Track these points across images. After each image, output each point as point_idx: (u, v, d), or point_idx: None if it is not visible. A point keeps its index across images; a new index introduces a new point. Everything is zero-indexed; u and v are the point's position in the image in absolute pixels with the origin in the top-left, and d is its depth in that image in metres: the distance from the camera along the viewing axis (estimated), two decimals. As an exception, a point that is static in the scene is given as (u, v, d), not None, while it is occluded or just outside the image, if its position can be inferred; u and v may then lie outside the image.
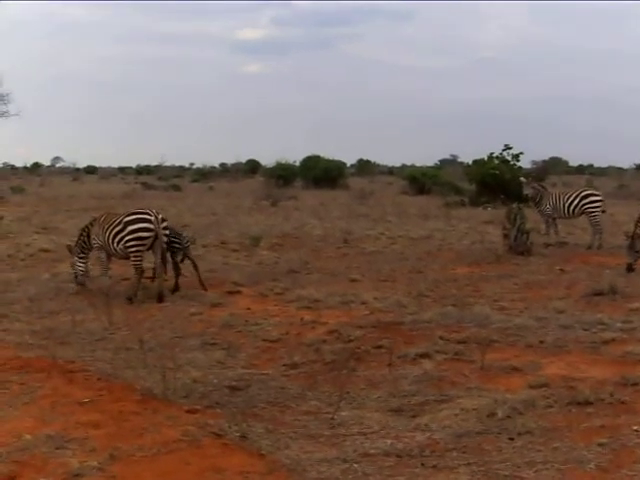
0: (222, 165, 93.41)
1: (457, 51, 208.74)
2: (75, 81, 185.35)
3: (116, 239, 14.10)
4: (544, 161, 79.98)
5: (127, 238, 13.93)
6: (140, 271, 14.05)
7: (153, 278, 14.43)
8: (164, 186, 54.06)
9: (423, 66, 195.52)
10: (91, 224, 14.90)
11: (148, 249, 14.20)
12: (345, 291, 13.81)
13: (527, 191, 21.99)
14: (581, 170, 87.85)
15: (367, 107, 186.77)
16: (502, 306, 12.43)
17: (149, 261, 14.42)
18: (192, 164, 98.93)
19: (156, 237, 13.95)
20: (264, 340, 10.72)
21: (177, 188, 52.90)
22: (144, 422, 7.27)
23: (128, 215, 14.21)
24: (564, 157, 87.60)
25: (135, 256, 13.95)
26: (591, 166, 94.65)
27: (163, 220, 14.25)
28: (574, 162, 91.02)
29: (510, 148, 37.58)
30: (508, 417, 7.37)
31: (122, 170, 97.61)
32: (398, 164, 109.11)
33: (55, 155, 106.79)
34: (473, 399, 7.90)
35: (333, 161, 57.48)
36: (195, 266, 14.67)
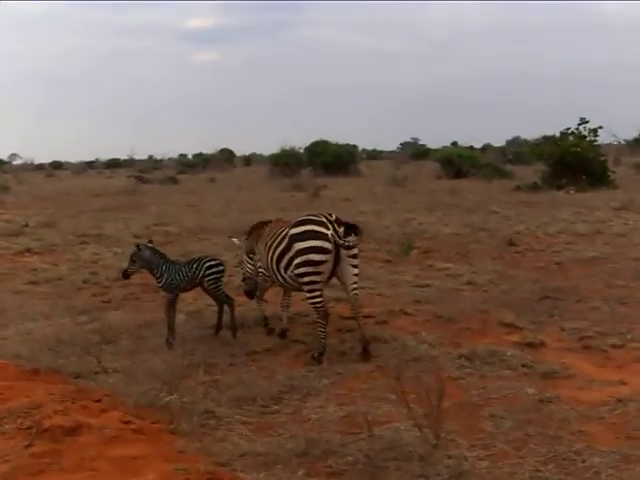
0: (197, 156, 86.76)
1: (408, 32, 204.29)
2: (23, 76, 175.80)
3: (282, 263, 8.87)
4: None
5: (296, 262, 8.61)
6: (323, 314, 8.71)
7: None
8: (160, 179, 47.53)
9: (375, 48, 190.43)
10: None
11: (329, 278, 8.80)
12: None
13: None
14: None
15: (321, 92, 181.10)
16: None
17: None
18: (150, 156, 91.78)
19: (337, 258, 8.57)
20: None
21: (175, 181, 46.84)
22: None
23: (294, 226, 8.80)
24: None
25: (309, 290, 8.71)
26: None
27: (347, 233, 8.82)
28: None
29: (587, 122, 32.59)
30: None
31: (90, 165, 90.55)
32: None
33: (11, 152, 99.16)
34: None
35: (344, 145, 51.62)
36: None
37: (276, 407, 7.18)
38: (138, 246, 9.52)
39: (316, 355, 8.49)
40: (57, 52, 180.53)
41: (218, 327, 9.67)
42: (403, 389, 6.35)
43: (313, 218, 8.75)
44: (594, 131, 32.66)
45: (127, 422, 6.52)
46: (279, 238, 8.94)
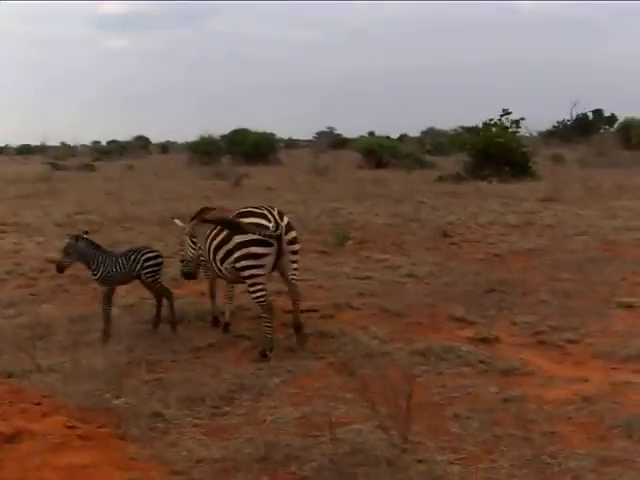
0: (111, 143, 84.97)
1: (321, 23, 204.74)
2: None
3: (219, 254, 8.51)
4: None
5: (236, 255, 8.20)
6: (267, 308, 8.27)
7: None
8: (76, 166, 46.28)
9: (289, 39, 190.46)
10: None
11: (272, 270, 8.50)
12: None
13: None
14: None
15: (238, 81, 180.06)
16: None
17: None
18: (63, 142, 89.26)
19: (280, 252, 8.25)
20: None
21: (91, 168, 45.67)
22: None
23: (236, 217, 8.51)
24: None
25: (252, 284, 8.31)
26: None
27: (289, 227, 8.55)
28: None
29: (509, 113, 32.96)
30: None
31: (0, 151, 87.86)
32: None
33: None
34: None
35: (264, 134, 51.12)
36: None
37: (227, 408, 6.78)
38: (76, 237, 8.99)
39: (265, 351, 8.10)
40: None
41: (156, 321, 9.21)
42: (364, 388, 6.02)
43: (255, 210, 8.45)
44: (516, 122, 32.89)
45: (72, 427, 6.06)
46: (218, 228, 8.55)
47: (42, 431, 5.90)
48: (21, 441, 5.74)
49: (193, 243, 9.30)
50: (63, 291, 11.48)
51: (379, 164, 42.27)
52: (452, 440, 5.99)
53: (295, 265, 8.60)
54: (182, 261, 9.65)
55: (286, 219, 8.49)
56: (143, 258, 9.05)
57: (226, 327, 9.13)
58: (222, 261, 8.49)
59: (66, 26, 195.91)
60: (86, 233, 9.19)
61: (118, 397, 6.70)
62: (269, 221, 8.25)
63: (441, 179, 31.15)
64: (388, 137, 62.46)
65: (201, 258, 9.20)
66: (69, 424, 6.10)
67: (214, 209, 9.45)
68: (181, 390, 7.04)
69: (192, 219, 9.44)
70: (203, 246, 8.91)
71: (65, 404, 6.57)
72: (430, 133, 79.35)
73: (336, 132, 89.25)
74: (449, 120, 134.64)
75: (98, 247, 9.09)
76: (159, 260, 9.16)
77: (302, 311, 9.38)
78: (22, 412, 6.28)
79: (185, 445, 5.94)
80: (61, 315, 9.79)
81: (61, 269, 9.14)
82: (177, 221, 9.78)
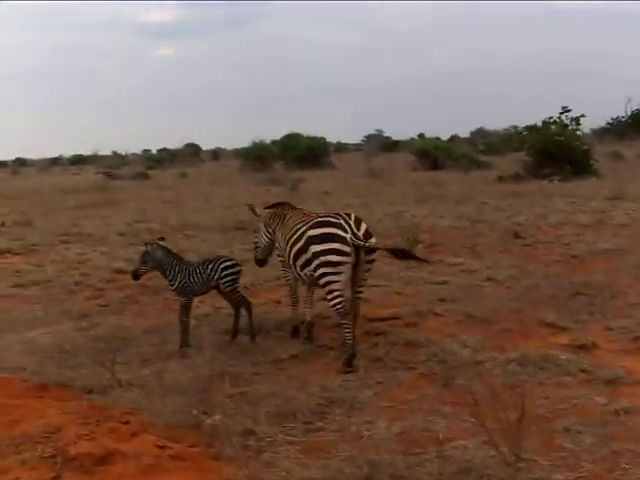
0: (161, 151, 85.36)
1: (369, 25, 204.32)
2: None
3: (298, 261, 8.29)
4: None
5: (315, 264, 8.01)
6: (345, 314, 7.96)
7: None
8: (130, 175, 46.43)
9: (338, 41, 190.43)
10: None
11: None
12: None
13: None
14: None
15: (285, 85, 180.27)
16: None
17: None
18: (114, 152, 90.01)
19: (357, 261, 7.98)
20: None
21: (145, 176, 45.70)
22: None
23: (311, 227, 8.14)
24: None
25: (329, 291, 8.00)
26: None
27: (368, 235, 8.24)
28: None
29: (569, 110, 31.94)
30: None
31: (54, 161, 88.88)
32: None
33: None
34: None
35: (316, 138, 50.79)
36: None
37: (320, 423, 6.42)
38: (147, 245, 8.73)
39: (349, 360, 7.77)
40: (12, 46, 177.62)
41: (235, 332, 8.90)
42: (466, 400, 5.64)
43: (331, 220, 8.16)
44: (576, 120, 32.12)
45: (163, 447, 5.74)
46: (296, 235, 8.35)
47: (133, 452, 5.60)
48: (113, 463, 5.45)
49: (268, 232, 9.06)
50: (133, 302, 11.25)
51: (434, 166, 41.67)
52: (567, 457, 5.58)
53: (366, 275, 8.45)
54: (256, 248, 9.47)
55: (364, 227, 8.25)
56: (221, 267, 8.77)
57: (309, 329, 8.82)
58: (302, 268, 8.23)
59: (113, 34, 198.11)
60: (162, 239, 8.93)
61: (206, 413, 6.34)
62: (345, 232, 7.99)
63: (501, 179, 30.53)
64: (438, 138, 61.69)
65: (279, 258, 9.03)
66: (159, 444, 5.79)
67: (296, 208, 9.17)
68: (269, 405, 6.70)
69: (268, 207, 9.21)
70: (283, 250, 8.66)
71: (153, 422, 6.26)
72: (480, 133, 78.41)
73: (385, 135, 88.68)
74: (497, 121, 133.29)
75: (175, 255, 8.84)
76: (237, 269, 8.88)
77: (384, 319, 9.06)
78: (110, 431, 5.98)
79: (282, 465, 5.60)
80: (134, 327, 9.54)
81: (136, 277, 8.91)
82: (255, 208, 9.59)
